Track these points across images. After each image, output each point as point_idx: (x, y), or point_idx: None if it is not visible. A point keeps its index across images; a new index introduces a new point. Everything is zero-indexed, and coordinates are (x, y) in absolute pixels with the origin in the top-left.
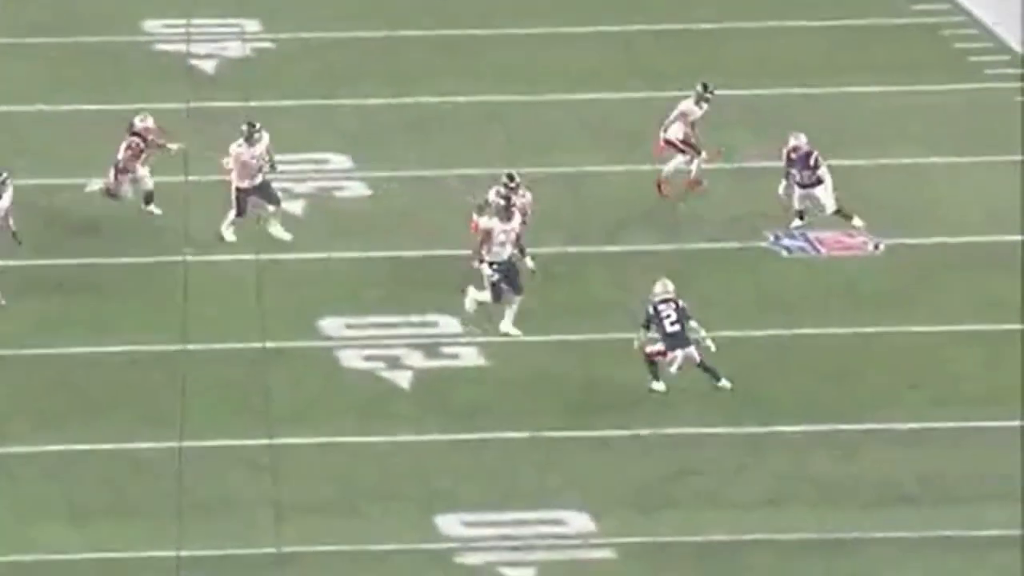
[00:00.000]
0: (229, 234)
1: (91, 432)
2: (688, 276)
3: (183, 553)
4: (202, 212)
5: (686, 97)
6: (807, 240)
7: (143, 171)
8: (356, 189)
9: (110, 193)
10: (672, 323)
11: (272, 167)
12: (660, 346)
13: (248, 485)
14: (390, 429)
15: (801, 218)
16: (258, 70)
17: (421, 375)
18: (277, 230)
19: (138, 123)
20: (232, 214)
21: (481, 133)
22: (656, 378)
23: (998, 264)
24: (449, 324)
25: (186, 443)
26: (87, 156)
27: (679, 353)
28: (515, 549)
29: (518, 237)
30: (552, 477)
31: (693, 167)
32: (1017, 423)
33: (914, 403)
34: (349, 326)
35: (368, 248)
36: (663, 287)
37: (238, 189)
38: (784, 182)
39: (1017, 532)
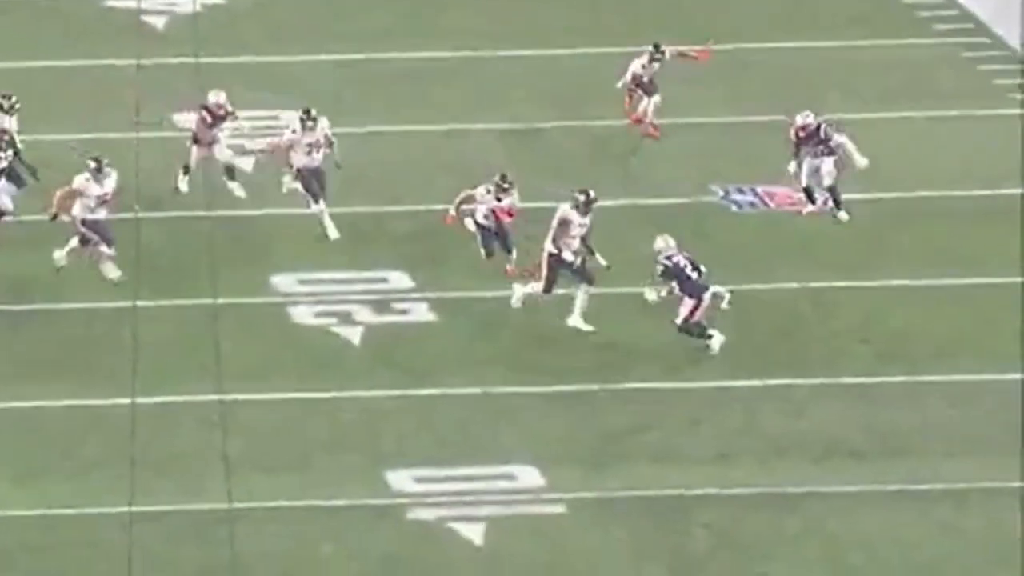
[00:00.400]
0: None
1: (43, 388)
2: (638, 232)
3: (135, 508)
4: (153, 168)
5: (640, 54)
6: (756, 195)
7: (216, 147)
8: None
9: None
10: (692, 270)
11: (335, 162)
12: (691, 303)
13: (199, 440)
14: (341, 384)
15: (812, 200)
16: (209, 26)
17: (372, 331)
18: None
19: (211, 98)
20: (310, 200)
21: (436, 90)
22: (709, 336)
23: (948, 219)
24: (400, 280)
25: (138, 399)
26: (37, 113)
27: (720, 291)
28: (466, 504)
29: (583, 237)
30: (503, 432)
31: (650, 109)
32: (963, 377)
33: (864, 358)
34: (301, 282)
35: None
36: (665, 242)
37: (298, 170)
38: (794, 163)
39: (965, 486)
